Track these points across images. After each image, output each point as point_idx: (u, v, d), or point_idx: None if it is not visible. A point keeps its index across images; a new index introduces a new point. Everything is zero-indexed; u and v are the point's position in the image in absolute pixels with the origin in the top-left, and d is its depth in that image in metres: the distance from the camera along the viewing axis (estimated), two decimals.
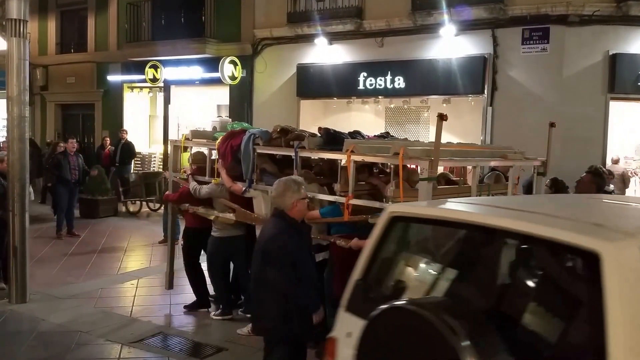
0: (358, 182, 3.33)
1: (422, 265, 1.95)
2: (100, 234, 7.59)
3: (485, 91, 7.74)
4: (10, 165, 4.58)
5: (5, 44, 4.65)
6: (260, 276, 2.50)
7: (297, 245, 2.52)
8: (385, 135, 4.66)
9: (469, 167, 3.97)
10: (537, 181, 4.12)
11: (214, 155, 4.25)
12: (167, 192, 4.73)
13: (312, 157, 3.77)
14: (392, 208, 1.93)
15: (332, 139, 3.58)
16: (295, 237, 2.54)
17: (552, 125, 4.00)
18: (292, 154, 3.56)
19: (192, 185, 4.19)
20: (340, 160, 3.39)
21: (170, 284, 4.81)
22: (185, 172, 4.41)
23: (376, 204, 3.17)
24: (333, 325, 3.30)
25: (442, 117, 2.81)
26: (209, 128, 8.76)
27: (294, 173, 3.52)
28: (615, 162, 7.44)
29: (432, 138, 7.99)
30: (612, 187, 5.77)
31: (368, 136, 4.24)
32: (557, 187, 5.20)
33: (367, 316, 1.59)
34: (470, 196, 3.36)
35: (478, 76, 7.74)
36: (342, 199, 3.22)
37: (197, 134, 4.64)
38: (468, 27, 7.73)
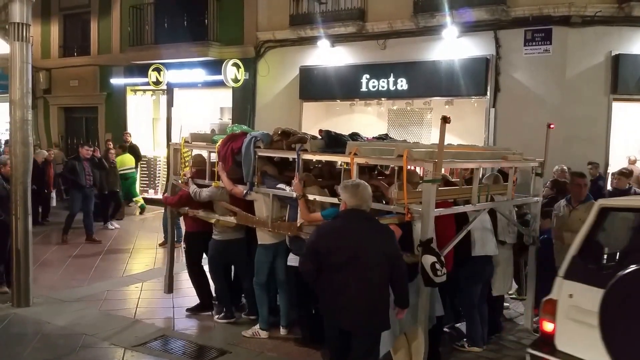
0: None
1: (627, 242, 2.69)
2: (106, 237, 7.61)
3: (488, 92, 7.72)
4: (13, 169, 4.60)
5: (8, 47, 4.66)
6: (383, 273, 2.64)
7: None
8: (383, 137, 4.67)
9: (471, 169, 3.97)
10: (534, 182, 4.12)
11: (213, 158, 4.25)
12: (165, 195, 4.73)
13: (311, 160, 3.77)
14: (602, 202, 2.64)
15: (333, 142, 3.58)
16: None
17: (549, 126, 4.06)
18: (295, 156, 3.55)
19: (192, 188, 4.19)
20: (344, 162, 3.39)
21: (169, 288, 4.80)
22: (185, 175, 4.41)
23: (378, 206, 3.17)
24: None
25: (445, 120, 2.82)
26: (207, 131, 8.81)
27: (295, 176, 3.52)
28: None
29: (435, 140, 8.00)
30: (634, 188, 5.74)
31: (367, 138, 4.25)
32: (558, 188, 5.18)
33: (586, 281, 2.37)
34: (471, 197, 3.37)
35: (481, 78, 7.72)
36: None
37: (196, 137, 4.64)
38: (470, 28, 7.72)
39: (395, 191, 3.07)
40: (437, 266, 2.82)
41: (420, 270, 2.90)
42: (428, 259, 2.84)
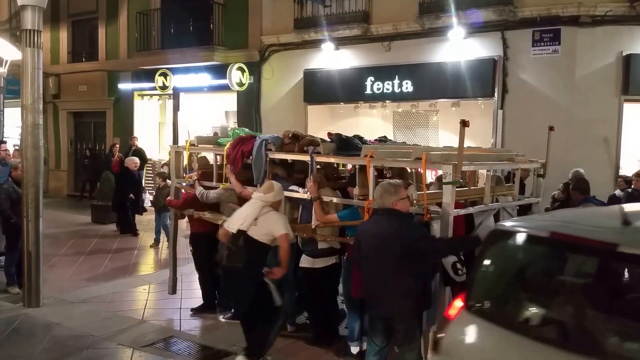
0: (366, 186, 3.33)
1: None
2: (112, 239, 7.67)
3: (496, 94, 7.66)
4: (24, 172, 4.66)
5: (18, 54, 4.73)
6: (403, 267, 2.73)
7: None
8: (384, 140, 4.69)
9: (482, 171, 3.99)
10: (536, 183, 4.18)
11: (219, 160, 4.27)
12: (169, 198, 4.75)
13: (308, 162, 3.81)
14: None
15: (345, 144, 3.61)
16: None
17: (551, 129, 4.15)
18: (308, 159, 3.58)
19: (199, 190, 4.21)
20: (348, 165, 3.41)
21: (173, 289, 4.81)
22: (190, 178, 4.43)
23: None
24: (352, 325, 3.37)
25: (464, 124, 2.89)
26: (209, 134, 8.84)
27: (310, 178, 3.54)
28: None
29: (441, 142, 7.99)
30: None
31: (370, 141, 4.28)
32: (569, 191, 5.11)
33: None
34: (484, 198, 3.39)
35: (488, 79, 7.66)
36: (362, 203, 3.27)
37: (202, 140, 4.66)
38: (477, 29, 7.67)
39: (416, 193, 3.11)
40: (458, 265, 2.92)
41: (440, 269, 2.93)
42: (449, 259, 2.92)
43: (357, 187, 3.35)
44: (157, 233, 7.34)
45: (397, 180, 3.04)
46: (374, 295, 2.83)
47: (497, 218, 3.75)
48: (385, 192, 2.81)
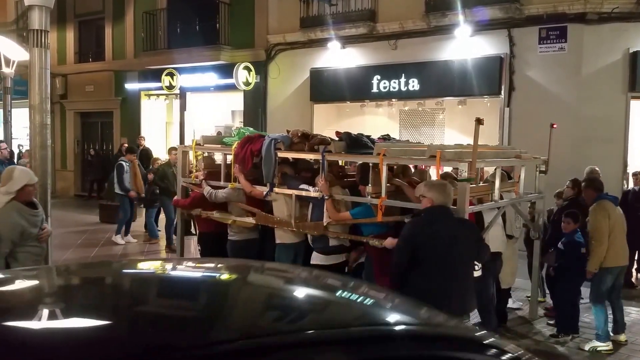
0: (379, 184, 3.35)
1: None
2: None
3: (502, 92, 7.63)
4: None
5: (25, 54, 4.76)
6: (472, 263, 2.97)
7: None
8: (387, 138, 4.71)
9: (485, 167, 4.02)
10: (538, 180, 4.26)
11: (219, 159, 4.29)
12: (176, 197, 4.77)
13: (311, 160, 3.83)
14: None
15: (354, 143, 3.63)
16: None
17: (552, 126, 4.21)
18: (319, 158, 3.61)
19: (207, 190, 4.22)
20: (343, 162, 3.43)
21: None
22: (197, 177, 4.45)
23: (408, 205, 3.25)
24: None
25: (479, 122, 2.90)
26: (212, 133, 8.85)
27: (321, 176, 3.56)
28: None
29: (447, 141, 7.95)
30: None
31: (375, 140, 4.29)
32: (579, 187, 5.08)
33: None
34: (493, 195, 3.40)
35: (494, 77, 7.63)
36: (376, 201, 3.30)
37: (208, 140, 4.67)
38: (483, 27, 7.64)
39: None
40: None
41: None
42: None
43: (369, 185, 3.35)
44: (149, 230, 7.42)
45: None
46: (440, 296, 2.70)
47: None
48: (449, 188, 2.83)
